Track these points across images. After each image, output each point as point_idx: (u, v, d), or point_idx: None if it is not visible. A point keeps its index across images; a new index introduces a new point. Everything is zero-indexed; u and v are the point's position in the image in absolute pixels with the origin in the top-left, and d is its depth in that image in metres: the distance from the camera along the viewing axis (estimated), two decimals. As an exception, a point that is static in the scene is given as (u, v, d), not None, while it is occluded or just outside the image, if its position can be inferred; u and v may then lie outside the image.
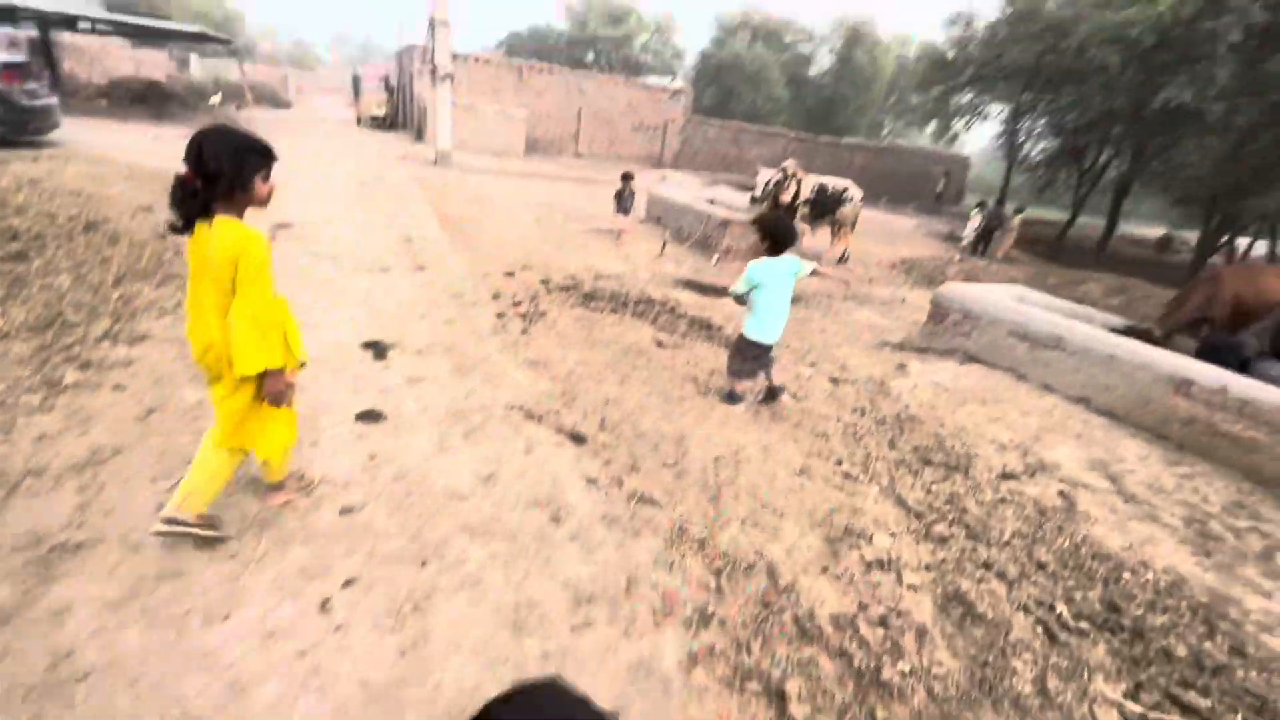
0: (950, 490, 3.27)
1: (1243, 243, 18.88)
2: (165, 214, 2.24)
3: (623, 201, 9.37)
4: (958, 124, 19.43)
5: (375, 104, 23.26)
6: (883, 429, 3.96)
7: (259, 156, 1.77)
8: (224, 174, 1.68)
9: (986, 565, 2.52)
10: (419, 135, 19.97)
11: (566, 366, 4.14)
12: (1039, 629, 2.23)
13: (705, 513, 2.72)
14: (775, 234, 3.54)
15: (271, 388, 1.88)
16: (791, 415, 3.93)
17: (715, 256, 9.36)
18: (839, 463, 3.30)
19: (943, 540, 2.68)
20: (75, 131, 9.88)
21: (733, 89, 37.62)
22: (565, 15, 41.32)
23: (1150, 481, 3.79)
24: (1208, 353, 4.82)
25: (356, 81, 25.84)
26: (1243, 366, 4.73)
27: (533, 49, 37.41)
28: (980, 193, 20.17)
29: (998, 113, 18.66)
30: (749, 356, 3.75)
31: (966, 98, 17.99)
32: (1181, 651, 2.18)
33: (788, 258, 3.60)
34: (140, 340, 3.47)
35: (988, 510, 3.10)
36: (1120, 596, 2.56)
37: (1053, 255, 15.70)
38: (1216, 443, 4.16)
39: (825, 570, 2.41)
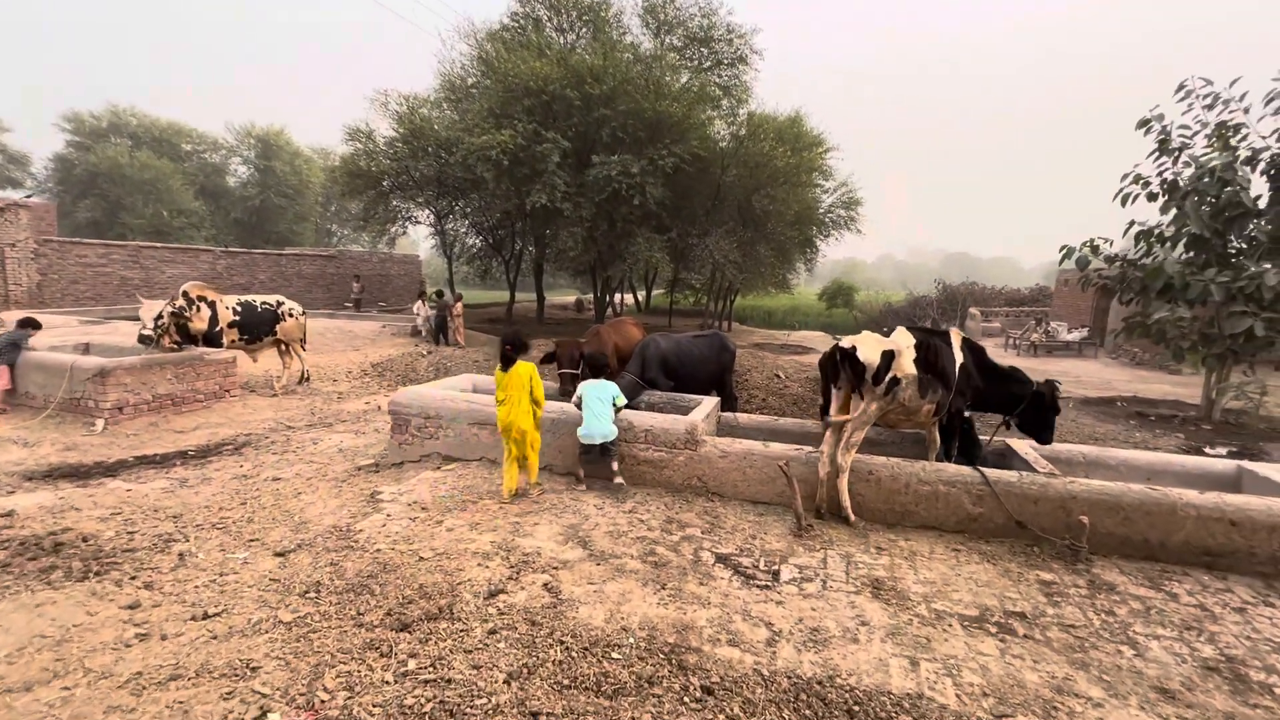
0: (435, 652, 2.63)
1: (619, 297, 26.34)
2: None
3: None
4: (393, 229, 20.38)
5: None
6: (346, 601, 3.07)
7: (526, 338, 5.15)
8: (520, 346, 4.70)
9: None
10: None
11: None
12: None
13: None
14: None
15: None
16: (199, 648, 2.62)
17: (101, 421, 6.65)
18: (275, 693, 2.22)
19: (418, 764, 1.97)
20: None
21: (120, 201, 30.27)
22: None
23: (610, 529, 4.10)
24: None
25: None
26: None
27: None
28: (438, 285, 21.80)
29: (426, 217, 20.48)
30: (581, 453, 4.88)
31: (395, 204, 19.06)
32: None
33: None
34: None
35: (476, 658, 2.60)
36: (610, 692, 2.39)
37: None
38: (643, 470, 4.93)
39: None
